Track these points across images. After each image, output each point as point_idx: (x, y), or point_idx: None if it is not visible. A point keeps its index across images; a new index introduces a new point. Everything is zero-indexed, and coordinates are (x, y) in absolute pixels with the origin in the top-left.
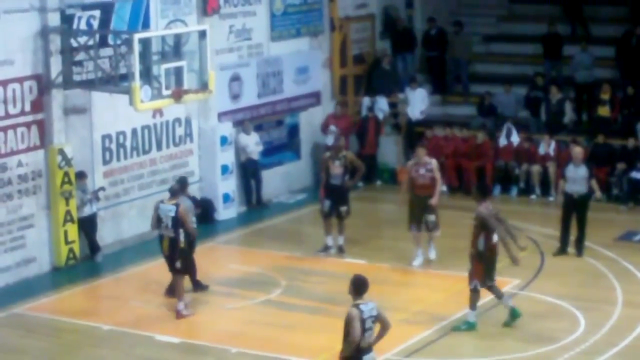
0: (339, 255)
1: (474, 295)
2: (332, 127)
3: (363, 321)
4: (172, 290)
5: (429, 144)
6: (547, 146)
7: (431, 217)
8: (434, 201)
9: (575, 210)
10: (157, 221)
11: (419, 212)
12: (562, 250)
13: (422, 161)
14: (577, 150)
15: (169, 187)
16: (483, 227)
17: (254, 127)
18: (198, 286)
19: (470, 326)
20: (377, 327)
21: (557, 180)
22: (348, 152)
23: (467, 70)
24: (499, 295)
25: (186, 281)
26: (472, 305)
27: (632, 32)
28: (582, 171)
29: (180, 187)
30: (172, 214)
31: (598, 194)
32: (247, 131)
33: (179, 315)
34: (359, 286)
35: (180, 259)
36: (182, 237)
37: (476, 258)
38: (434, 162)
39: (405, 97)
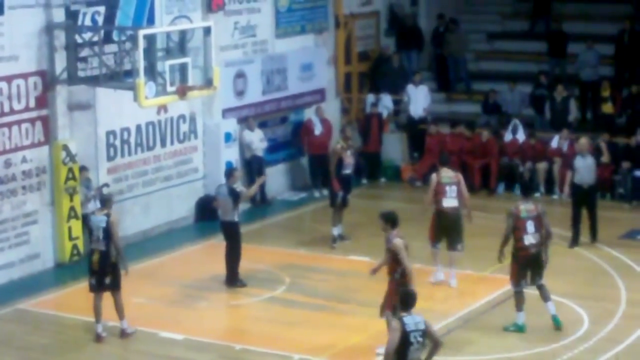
0: (343, 242)
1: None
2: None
3: (407, 334)
4: (232, 280)
5: (433, 141)
6: (564, 140)
7: None
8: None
9: (585, 200)
10: (89, 234)
11: None
12: (574, 242)
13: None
14: (582, 141)
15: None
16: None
17: (258, 124)
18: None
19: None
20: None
21: (562, 176)
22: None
23: (466, 67)
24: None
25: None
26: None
27: (625, 30)
28: (589, 161)
29: (109, 196)
30: (103, 224)
31: (606, 156)
32: (251, 128)
33: (124, 334)
34: (405, 300)
35: (110, 275)
36: (112, 251)
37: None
38: (431, 178)
39: (407, 95)
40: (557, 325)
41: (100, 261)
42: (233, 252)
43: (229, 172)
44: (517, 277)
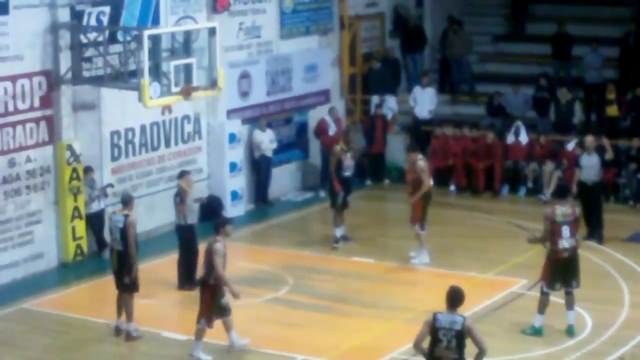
0: (347, 243)
1: None
2: (328, 119)
3: (435, 330)
4: (185, 283)
5: (438, 143)
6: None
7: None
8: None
9: (589, 197)
10: (110, 233)
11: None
12: (590, 234)
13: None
14: (589, 139)
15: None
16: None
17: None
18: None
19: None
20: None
21: (570, 177)
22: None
23: (469, 70)
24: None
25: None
26: None
27: (630, 33)
28: (594, 159)
29: (130, 196)
30: (121, 225)
31: (610, 154)
32: (262, 128)
33: (129, 336)
34: (450, 298)
35: (129, 275)
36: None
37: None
38: (420, 164)
39: (413, 96)
40: (570, 334)
41: (118, 261)
42: (182, 256)
43: (180, 174)
44: (550, 280)
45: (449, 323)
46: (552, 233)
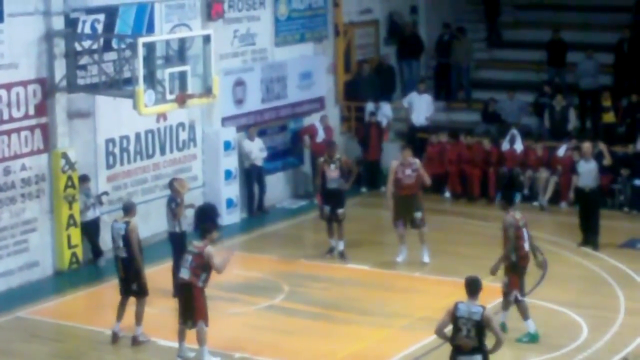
0: (341, 261)
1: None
2: (306, 139)
3: (456, 319)
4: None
5: (433, 150)
6: (571, 150)
7: (418, 214)
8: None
9: (586, 204)
10: (112, 241)
11: (405, 211)
12: (585, 241)
13: (407, 162)
14: (586, 145)
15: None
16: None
17: (257, 132)
18: None
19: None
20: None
21: (565, 183)
22: (342, 155)
23: (468, 76)
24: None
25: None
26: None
27: (624, 39)
28: (592, 165)
29: (131, 204)
30: (122, 232)
31: (608, 159)
32: (252, 137)
33: (135, 341)
34: (468, 286)
35: (136, 281)
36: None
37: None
38: (418, 162)
39: (409, 102)
40: (532, 339)
41: (124, 268)
42: (177, 263)
43: (170, 182)
44: (522, 287)
45: (468, 313)
46: (517, 239)
